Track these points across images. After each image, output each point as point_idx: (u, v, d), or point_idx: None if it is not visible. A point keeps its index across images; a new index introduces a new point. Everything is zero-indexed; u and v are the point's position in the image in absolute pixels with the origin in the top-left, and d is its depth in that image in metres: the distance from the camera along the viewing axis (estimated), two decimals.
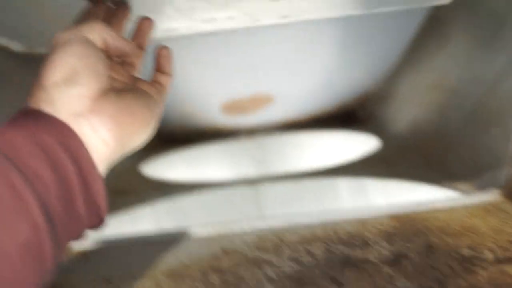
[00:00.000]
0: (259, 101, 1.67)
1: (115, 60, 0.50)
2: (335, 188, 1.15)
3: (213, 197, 1.16)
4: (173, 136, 1.74)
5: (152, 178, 1.36)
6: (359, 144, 1.52)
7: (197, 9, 0.70)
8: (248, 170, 1.60)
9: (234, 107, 1.66)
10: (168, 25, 0.73)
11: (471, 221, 0.78)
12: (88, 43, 0.43)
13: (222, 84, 1.58)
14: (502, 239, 0.70)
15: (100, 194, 0.40)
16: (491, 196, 0.84)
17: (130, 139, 0.44)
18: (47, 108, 0.39)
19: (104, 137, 0.41)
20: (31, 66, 0.45)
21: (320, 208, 1.10)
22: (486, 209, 0.81)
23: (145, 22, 0.55)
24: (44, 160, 0.36)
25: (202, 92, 1.62)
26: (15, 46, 0.85)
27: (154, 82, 0.52)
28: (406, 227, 0.78)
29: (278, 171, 1.36)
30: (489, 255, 0.67)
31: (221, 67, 1.52)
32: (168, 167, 1.53)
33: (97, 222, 0.41)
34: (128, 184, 1.27)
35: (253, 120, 1.73)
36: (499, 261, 0.66)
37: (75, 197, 0.37)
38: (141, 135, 0.45)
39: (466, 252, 0.68)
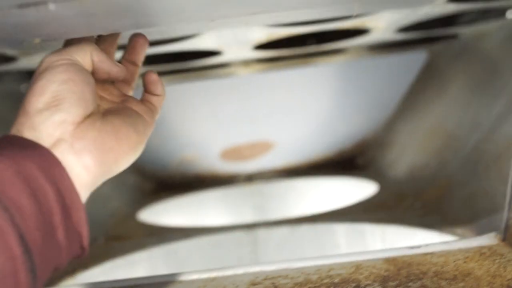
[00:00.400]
0: (258, 149, 1.69)
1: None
2: (333, 234, 1.14)
3: (210, 242, 1.16)
4: (172, 183, 1.75)
5: (150, 224, 1.36)
6: (357, 190, 1.52)
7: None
8: (246, 216, 1.59)
9: (233, 154, 1.67)
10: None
11: (467, 265, 0.76)
12: (74, 66, 0.42)
13: (222, 131, 1.61)
14: (498, 283, 0.69)
15: (82, 222, 0.39)
16: (487, 240, 0.83)
17: (115, 162, 0.43)
18: (30, 134, 0.39)
19: (87, 163, 0.40)
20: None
21: (318, 253, 1.09)
22: (483, 253, 0.79)
23: (138, 39, 0.53)
24: (24, 189, 0.35)
25: (202, 139, 1.64)
26: (10, 51, 0.87)
27: (146, 101, 0.51)
28: (400, 271, 0.76)
29: (276, 217, 1.35)
30: None
31: (220, 115, 1.55)
32: (166, 214, 1.53)
33: (79, 251, 0.40)
34: (126, 230, 1.27)
35: (252, 166, 1.75)
36: None
37: (56, 227, 0.37)
38: (127, 158, 0.45)
39: None
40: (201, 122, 1.57)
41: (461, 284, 0.71)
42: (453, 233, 0.97)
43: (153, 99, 0.51)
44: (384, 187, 1.42)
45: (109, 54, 0.51)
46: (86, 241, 0.40)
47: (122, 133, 0.44)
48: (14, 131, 0.40)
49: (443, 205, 1.10)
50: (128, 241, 1.18)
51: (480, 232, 0.89)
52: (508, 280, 0.68)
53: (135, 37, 0.53)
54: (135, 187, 1.68)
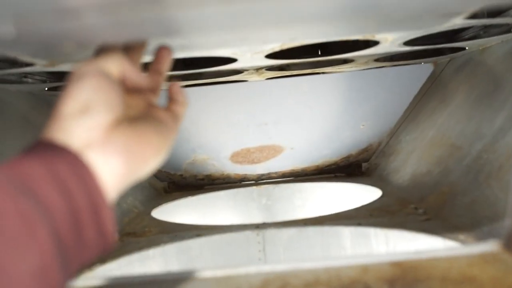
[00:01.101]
0: (267, 152, 1.72)
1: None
2: (339, 236, 1.17)
3: (220, 240, 1.18)
4: (184, 183, 1.78)
5: (164, 222, 1.38)
6: (362, 195, 1.54)
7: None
8: (254, 216, 1.62)
9: (243, 157, 1.70)
10: (182, 43, 0.76)
11: (470, 270, 0.78)
12: (104, 75, 0.45)
13: (233, 134, 1.64)
14: None
15: (109, 221, 0.41)
16: (490, 246, 0.85)
17: (141, 166, 0.46)
18: (62, 137, 0.41)
19: (115, 166, 0.42)
20: (50, 105, 0.48)
21: (324, 254, 1.12)
22: (485, 259, 0.81)
23: (163, 51, 0.56)
24: (57, 190, 0.37)
25: (213, 141, 1.67)
26: (40, 61, 0.90)
27: (170, 109, 0.53)
28: (407, 274, 0.78)
29: (283, 218, 1.38)
30: None
31: (232, 119, 1.58)
32: (178, 212, 1.55)
33: (105, 248, 0.42)
34: (140, 228, 1.30)
35: (261, 169, 1.78)
36: None
37: (85, 225, 0.39)
38: (153, 162, 0.47)
39: None
40: (213, 125, 1.59)
41: None
42: (455, 239, 0.99)
43: (177, 108, 0.54)
44: (388, 193, 1.45)
45: (135, 62, 0.53)
46: (112, 239, 0.42)
47: (148, 138, 0.46)
48: (47, 134, 0.42)
49: (445, 211, 1.12)
50: (142, 238, 1.20)
51: (482, 238, 0.92)
52: (511, 286, 0.70)
53: (160, 48, 0.56)
54: (149, 186, 1.71)
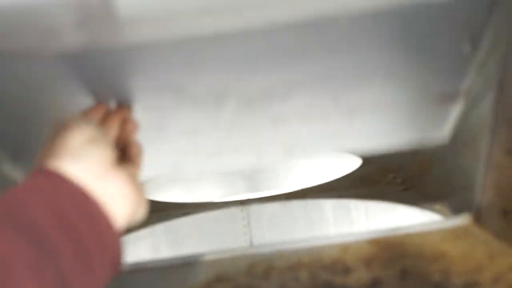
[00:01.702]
0: None
1: None
2: (321, 209, 1.20)
3: (207, 218, 1.21)
4: None
5: (150, 201, 1.39)
6: (343, 164, 1.56)
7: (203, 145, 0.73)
8: (238, 189, 1.64)
9: None
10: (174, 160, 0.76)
11: (442, 246, 0.80)
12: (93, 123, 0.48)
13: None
14: (469, 264, 0.73)
15: (117, 253, 0.42)
16: (462, 220, 0.88)
17: (141, 205, 0.48)
18: (72, 167, 0.41)
19: (124, 197, 0.44)
20: None
21: (307, 227, 1.15)
22: (457, 234, 0.83)
23: (128, 125, 0.56)
24: (63, 230, 0.37)
25: None
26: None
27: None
28: (383, 252, 0.81)
29: (267, 190, 1.40)
30: (457, 280, 0.71)
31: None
32: (164, 190, 1.56)
33: (113, 275, 0.43)
34: None
35: None
36: (467, 286, 0.70)
37: (94, 260, 0.39)
38: (145, 204, 0.49)
39: (437, 277, 0.72)
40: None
41: (437, 266, 0.75)
42: (431, 209, 1.02)
43: (133, 169, 0.54)
44: (369, 161, 1.46)
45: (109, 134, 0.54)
46: (120, 267, 0.43)
47: (137, 179, 0.49)
48: (50, 165, 0.42)
49: (422, 181, 1.15)
50: None
51: (456, 209, 0.95)
52: (479, 260, 0.73)
53: (126, 123, 0.57)
54: None
